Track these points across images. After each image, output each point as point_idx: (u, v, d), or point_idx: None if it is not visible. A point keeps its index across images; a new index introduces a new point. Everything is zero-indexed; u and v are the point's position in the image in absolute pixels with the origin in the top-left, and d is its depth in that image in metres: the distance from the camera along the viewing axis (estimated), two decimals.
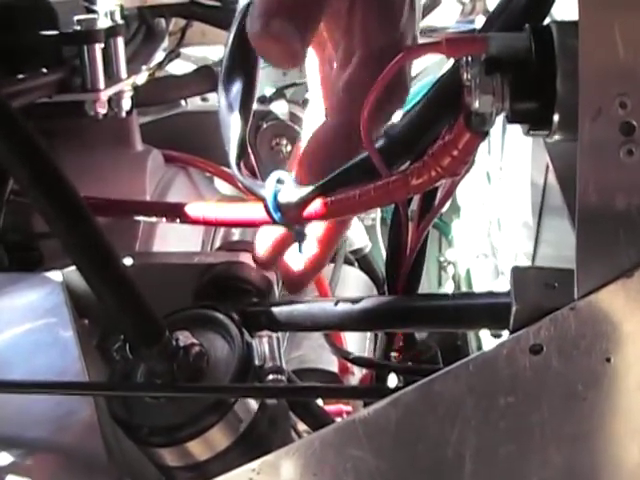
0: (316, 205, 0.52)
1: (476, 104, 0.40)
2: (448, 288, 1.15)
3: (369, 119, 0.46)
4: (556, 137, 0.41)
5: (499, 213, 1.01)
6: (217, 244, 0.86)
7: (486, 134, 0.42)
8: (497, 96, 0.39)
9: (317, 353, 0.84)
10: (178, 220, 0.65)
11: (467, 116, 0.41)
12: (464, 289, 1.02)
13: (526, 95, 0.40)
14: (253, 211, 0.58)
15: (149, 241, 0.80)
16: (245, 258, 0.68)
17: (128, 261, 0.69)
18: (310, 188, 0.53)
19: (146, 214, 0.66)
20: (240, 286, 0.66)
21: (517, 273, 0.43)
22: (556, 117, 0.39)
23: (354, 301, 0.57)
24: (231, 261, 0.67)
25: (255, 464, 0.46)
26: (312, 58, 0.61)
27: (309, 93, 0.64)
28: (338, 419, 0.77)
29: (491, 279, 0.98)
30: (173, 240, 0.83)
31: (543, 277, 0.41)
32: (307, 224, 0.59)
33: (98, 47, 0.79)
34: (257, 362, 0.56)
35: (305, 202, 0.52)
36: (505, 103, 0.39)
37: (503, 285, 0.94)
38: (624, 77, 0.36)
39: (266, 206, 0.54)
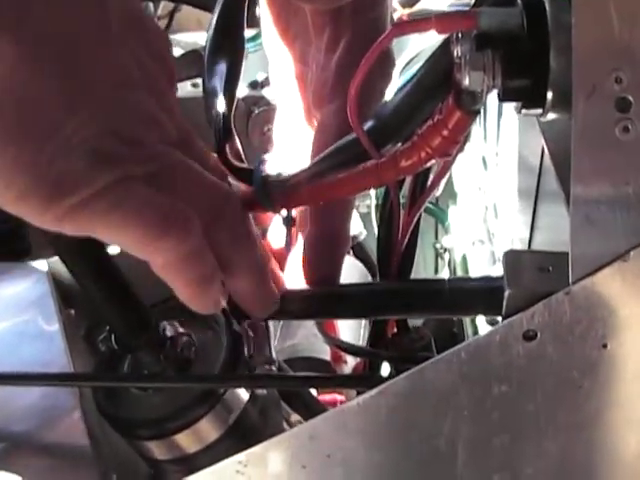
0: (304, 189, 0.51)
1: (466, 81, 0.38)
2: (444, 275, 1.14)
3: (359, 99, 0.44)
4: (550, 116, 0.40)
5: (495, 199, 1.00)
6: None
7: (477, 113, 0.40)
8: (488, 73, 0.38)
9: (310, 342, 0.82)
10: None
11: (457, 94, 0.40)
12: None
13: (518, 71, 0.38)
14: (241, 196, 0.57)
15: None
16: None
17: (115, 249, 0.67)
18: (298, 171, 0.51)
19: None
20: None
21: (510, 257, 0.41)
22: (550, 94, 0.38)
23: (346, 288, 0.56)
24: None
25: (242, 456, 0.45)
26: (283, 58, 0.59)
27: (278, 96, 0.63)
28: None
29: (487, 266, 0.97)
30: None
31: (537, 261, 0.39)
32: (296, 208, 0.57)
33: None
34: (246, 352, 0.55)
35: (293, 186, 0.51)
36: (496, 80, 0.38)
37: (499, 272, 0.92)
38: (619, 51, 0.34)
39: (253, 191, 0.53)
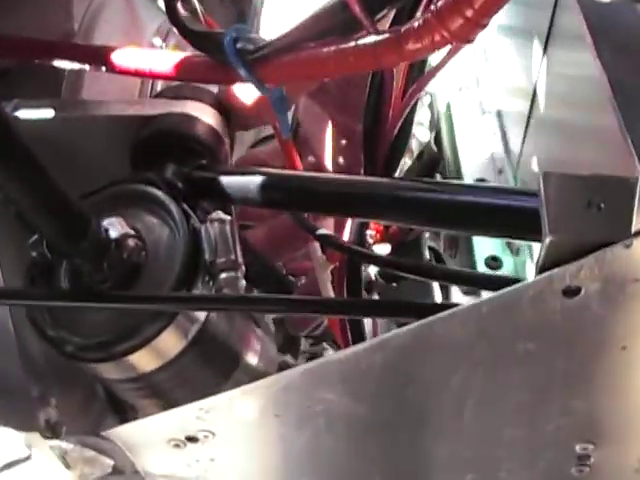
0: (286, 59, 0.40)
1: None
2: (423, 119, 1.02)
3: None
4: None
5: (486, 40, 0.88)
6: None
7: None
8: None
9: None
10: (103, 68, 0.52)
11: None
12: (444, 127, 0.90)
13: None
14: (198, 63, 0.46)
15: (76, 86, 0.66)
16: (192, 108, 0.55)
17: (49, 113, 0.56)
18: (275, 38, 0.40)
19: (64, 57, 0.53)
20: (185, 144, 0.53)
21: (550, 184, 0.31)
22: None
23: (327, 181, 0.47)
24: (174, 113, 0.55)
25: (204, 403, 0.39)
26: None
27: None
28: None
29: (476, 115, 0.86)
30: (106, 84, 0.68)
31: (584, 191, 0.30)
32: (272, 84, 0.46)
33: None
34: (207, 257, 0.45)
35: (272, 54, 0.40)
36: None
37: (489, 123, 0.83)
38: None
39: (220, 56, 0.42)
